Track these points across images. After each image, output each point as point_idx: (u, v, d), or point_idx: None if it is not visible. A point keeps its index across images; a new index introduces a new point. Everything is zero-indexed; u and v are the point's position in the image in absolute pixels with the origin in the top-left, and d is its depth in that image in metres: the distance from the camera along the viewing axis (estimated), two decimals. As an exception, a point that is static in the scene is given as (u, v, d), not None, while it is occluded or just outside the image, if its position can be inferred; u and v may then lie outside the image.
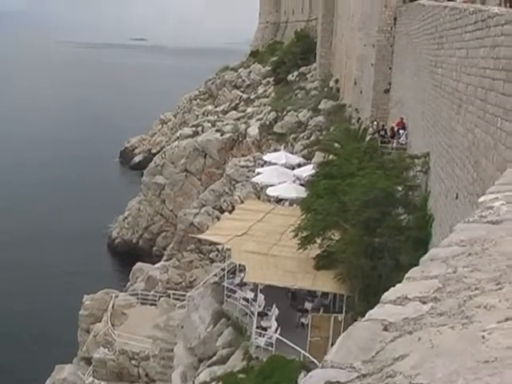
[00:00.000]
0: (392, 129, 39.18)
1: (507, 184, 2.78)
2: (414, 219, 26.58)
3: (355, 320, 2.31)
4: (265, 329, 28.95)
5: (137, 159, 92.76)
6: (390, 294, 2.09)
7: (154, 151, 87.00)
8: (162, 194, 66.31)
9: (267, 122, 66.12)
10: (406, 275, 2.15)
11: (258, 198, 50.35)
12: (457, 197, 18.76)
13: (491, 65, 15.32)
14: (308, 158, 50.61)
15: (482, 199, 2.64)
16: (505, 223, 2.28)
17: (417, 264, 2.25)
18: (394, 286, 2.15)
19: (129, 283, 50.40)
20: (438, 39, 25.98)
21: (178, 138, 73.22)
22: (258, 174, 48.58)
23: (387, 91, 45.38)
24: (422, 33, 31.79)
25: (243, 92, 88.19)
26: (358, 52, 54.38)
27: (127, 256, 60.81)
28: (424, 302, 1.91)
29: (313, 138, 57.82)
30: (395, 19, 44.94)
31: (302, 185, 42.62)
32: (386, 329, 1.91)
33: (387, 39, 45.51)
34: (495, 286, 1.91)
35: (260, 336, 28.62)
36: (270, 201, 45.38)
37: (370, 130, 42.79)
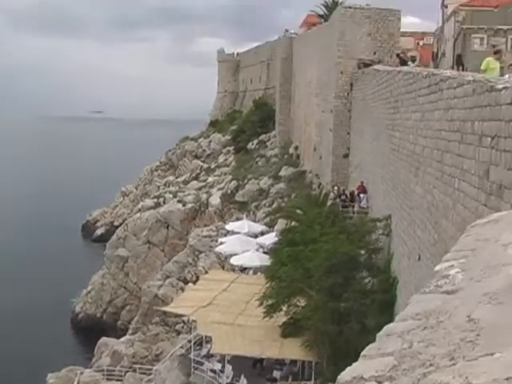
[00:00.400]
0: (352, 193, 39.47)
1: (462, 250, 2.70)
2: (379, 282, 26.53)
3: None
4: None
5: (99, 232, 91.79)
6: (345, 374, 1.97)
7: (116, 223, 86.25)
8: (126, 266, 65.48)
9: (229, 191, 66.18)
10: (362, 353, 2.05)
11: (222, 267, 49.93)
12: (419, 258, 18.77)
13: (446, 127, 15.56)
14: (271, 226, 50.56)
15: (437, 268, 2.56)
16: (460, 292, 2.19)
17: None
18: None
19: (94, 359, 49.12)
20: (393, 103, 26.44)
21: (139, 209, 72.80)
22: (221, 243, 48.39)
23: (346, 156, 45.89)
24: (378, 97, 32.38)
25: (204, 162, 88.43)
26: (316, 118, 55.13)
27: (91, 331, 59.45)
28: (380, 382, 1.80)
29: (275, 205, 57.88)
30: (351, 85, 45.82)
31: (265, 253, 42.48)
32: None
33: (344, 104, 46.28)
34: (449, 362, 1.81)
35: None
36: (234, 270, 45.03)
37: (331, 195, 43.06)
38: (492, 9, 64.57)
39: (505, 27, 56.39)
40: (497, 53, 21.09)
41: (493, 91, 11.65)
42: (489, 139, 11.78)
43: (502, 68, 21.12)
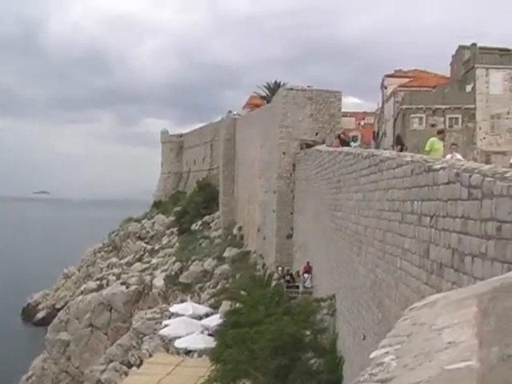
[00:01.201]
0: (297, 273, 39.47)
1: (398, 336, 2.69)
2: (325, 362, 26.28)
3: None
4: None
5: (40, 315, 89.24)
6: None
7: (57, 306, 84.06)
8: (67, 350, 63.59)
9: (172, 273, 65.52)
10: None
11: (167, 350, 48.87)
12: (364, 338, 18.71)
13: (387, 207, 15.80)
14: (215, 307, 49.97)
15: (372, 355, 2.52)
16: (393, 381, 2.15)
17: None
18: None
19: None
20: (335, 183, 26.81)
21: (82, 292, 71.36)
22: (166, 326, 47.55)
23: (290, 236, 46.08)
24: (321, 178, 32.82)
25: (147, 243, 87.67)
26: (259, 198, 55.46)
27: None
28: None
29: (219, 286, 57.43)
30: (294, 165, 46.44)
31: (210, 335, 41.84)
32: None
33: (287, 185, 46.78)
34: None
35: None
36: (178, 353, 44.13)
37: (276, 275, 42.98)
38: (430, 89, 66.88)
39: (443, 107, 58.33)
40: (440, 133, 21.48)
41: (430, 171, 11.93)
42: (428, 218, 11.98)
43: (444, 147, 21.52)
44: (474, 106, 58.64)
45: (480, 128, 58.60)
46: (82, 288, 74.29)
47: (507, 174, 8.45)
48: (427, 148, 19.97)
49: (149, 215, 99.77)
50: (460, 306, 3.92)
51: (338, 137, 40.06)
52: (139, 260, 79.83)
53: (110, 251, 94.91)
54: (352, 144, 34.13)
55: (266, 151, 52.93)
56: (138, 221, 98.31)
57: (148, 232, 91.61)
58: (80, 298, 67.90)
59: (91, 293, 67.46)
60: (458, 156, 21.26)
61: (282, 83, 71.00)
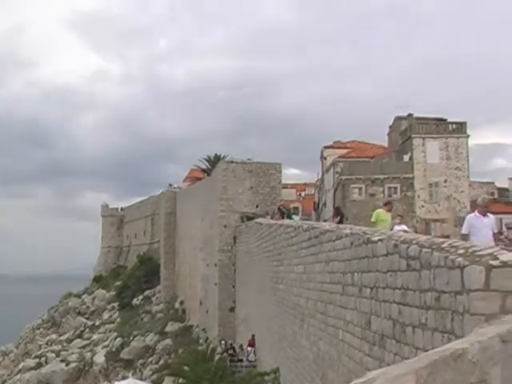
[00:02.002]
0: (240, 346, 39.06)
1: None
2: None
3: None
4: None
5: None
6: None
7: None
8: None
9: (114, 349, 64.11)
10: None
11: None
12: (309, 413, 18.50)
13: (328, 279, 15.87)
14: (158, 384, 48.93)
15: None
16: None
17: None
18: None
19: None
20: (277, 256, 26.84)
21: (20, 370, 69.19)
22: (106, 405, 46.22)
23: (233, 309, 45.71)
24: (262, 250, 32.83)
25: (88, 319, 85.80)
26: (201, 272, 55.08)
27: None
28: None
29: (161, 362, 56.34)
30: (235, 238, 46.40)
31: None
32: None
33: (229, 258, 46.63)
34: None
35: None
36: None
37: (219, 349, 42.44)
38: (368, 159, 68.26)
39: (381, 176, 59.51)
40: (387, 204, 21.33)
41: (369, 243, 12.08)
42: (368, 290, 12.07)
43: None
44: (412, 175, 60.01)
45: (418, 196, 59.89)
46: (20, 366, 72.17)
47: (444, 245, 8.61)
48: (373, 219, 19.83)
49: (89, 290, 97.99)
50: (399, 381, 3.95)
51: (278, 209, 40.36)
52: (79, 336, 78.00)
53: (49, 327, 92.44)
54: (294, 217, 34.24)
55: (207, 224, 52.86)
56: (77, 296, 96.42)
57: (88, 307, 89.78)
58: (18, 376, 66.08)
59: (30, 371, 65.67)
60: (405, 227, 21.53)
61: (222, 156, 71.55)
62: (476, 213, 14.37)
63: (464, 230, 14.23)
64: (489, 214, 14.38)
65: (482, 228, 13.87)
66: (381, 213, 20.12)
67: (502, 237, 14.82)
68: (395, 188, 59.99)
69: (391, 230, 19.56)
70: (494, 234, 14.26)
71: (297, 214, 36.37)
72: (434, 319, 8.46)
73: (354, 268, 13.23)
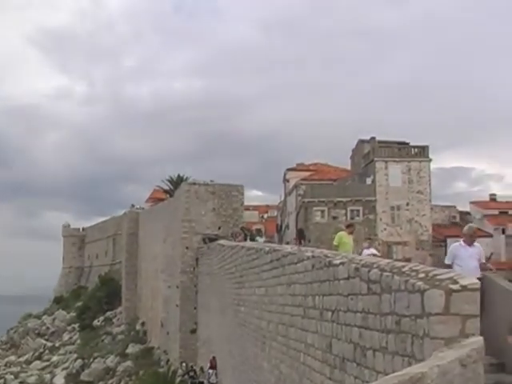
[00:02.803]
0: (201, 368, 38.76)
1: None
2: None
3: None
4: None
5: None
6: None
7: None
8: None
9: (74, 371, 63.29)
10: None
11: None
12: None
13: (289, 301, 15.83)
14: (117, 407, 48.31)
15: None
16: None
17: None
18: None
19: None
20: (238, 278, 26.74)
21: (-25, 394, 67.79)
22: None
23: (194, 331, 45.39)
24: (224, 272, 32.71)
25: (48, 340, 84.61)
26: (163, 293, 54.68)
27: None
28: None
29: (122, 384, 55.68)
30: (197, 260, 46.18)
31: None
32: None
33: (191, 279, 46.34)
34: None
35: None
36: None
37: (180, 371, 42.09)
38: (331, 182, 68.71)
39: (344, 199, 59.83)
40: (349, 227, 21.14)
41: (331, 266, 12.08)
42: (330, 313, 12.06)
43: (355, 242, 21.10)
44: (374, 198, 60.47)
45: (381, 219, 60.34)
46: (-23, 389, 70.67)
47: (405, 269, 8.63)
48: (335, 242, 19.62)
49: (49, 311, 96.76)
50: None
51: (241, 229, 40.32)
52: (39, 358, 76.88)
53: (8, 349, 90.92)
54: (258, 239, 34.14)
55: (169, 246, 52.57)
56: (37, 317, 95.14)
57: (48, 328, 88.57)
58: (-25, 402, 64.57)
59: (-13, 394, 64.32)
60: (374, 251, 21.45)
61: (184, 177, 71.39)
62: (461, 242, 13.67)
63: (447, 260, 13.54)
64: (475, 243, 13.69)
65: (467, 258, 13.22)
66: (343, 235, 19.91)
67: (488, 265, 14.14)
68: (357, 211, 60.40)
69: (360, 254, 19.53)
70: (482, 264, 13.52)
71: (261, 236, 36.29)
72: (395, 343, 8.47)
73: (315, 291, 13.21)
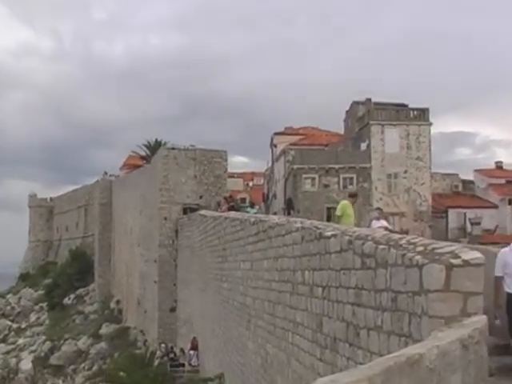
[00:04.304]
0: (182, 350, 38.98)
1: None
2: None
3: None
4: None
5: None
6: None
7: None
8: None
9: (42, 354, 63.46)
10: None
11: None
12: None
13: (276, 277, 15.87)
14: (91, 392, 48.60)
15: None
16: None
17: None
18: None
19: None
20: (221, 251, 26.80)
21: None
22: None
23: (174, 309, 45.59)
24: (206, 245, 32.79)
25: (13, 321, 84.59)
26: (139, 269, 54.82)
27: None
28: None
29: (95, 367, 55.94)
30: (177, 232, 46.24)
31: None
32: None
33: (170, 253, 46.46)
34: None
35: None
36: None
37: (158, 353, 42.29)
38: (322, 147, 68.58)
39: (336, 166, 59.67)
40: (352, 196, 20.88)
41: (322, 238, 12.08)
42: (320, 289, 12.10)
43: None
44: (369, 165, 60.41)
45: (376, 188, 60.35)
46: None
47: (401, 242, 8.63)
48: (338, 212, 19.33)
49: (14, 289, 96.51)
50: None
51: (225, 199, 40.23)
52: (3, 341, 76.93)
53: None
54: (250, 211, 33.72)
55: (146, 217, 52.58)
56: (1, 296, 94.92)
57: (14, 308, 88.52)
58: None
59: None
60: (385, 223, 20.92)
61: (163, 142, 71.20)
62: (511, 246, 11.80)
63: (498, 271, 11.51)
64: None
65: None
66: (347, 206, 19.55)
67: None
68: (351, 179, 60.37)
69: (368, 226, 19.21)
70: None
71: (252, 207, 35.75)
72: (391, 321, 8.50)
73: (304, 265, 13.24)
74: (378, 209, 23.04)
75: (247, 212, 31.71)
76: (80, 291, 78.62)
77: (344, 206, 19.55)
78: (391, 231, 14.55)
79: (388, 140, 61.25)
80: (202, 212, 38.32)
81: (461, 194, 68.18)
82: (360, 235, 10.22)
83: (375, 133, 61.33)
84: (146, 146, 77.53)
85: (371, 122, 61.45)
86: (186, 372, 36.82)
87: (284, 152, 66.44)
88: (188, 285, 40.78)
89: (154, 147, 70.73)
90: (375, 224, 20.04)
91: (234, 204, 39.08)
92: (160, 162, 48.41)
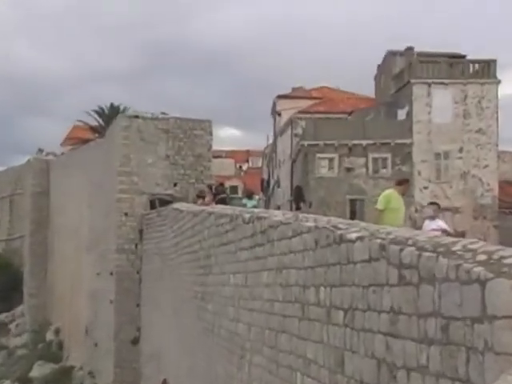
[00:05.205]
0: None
1: None
2: None
3: None
4: None
5: None
6: None
7: None
8: None
9: None
10: None
11: None
12: None
13: (280, 295, 15.89)
14: None
15: None
16: None
17: None
18: None
19: None
20: (204, 260, 26.82)
21: None
22: None
23: (136, 341, 45.68)
24: (182, 251, 32.83)
25: None
26: (88, 284, 54.83)
27: None
28: None
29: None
30: (141, 232, 46.25)
31: None
32: None
33: (132, 263, 46.52)
34: None
35: None
36: None
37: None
38: (344, 116, 68.43)
39: (363, 142, 59.42)
40: (401, 183, 20.43)
41: (343, 242, 12.06)
42: (341, 313, 12.11)
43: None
44: (410, 141, 60.34)
45: (419, 173, 60.27)
46: None
47: (455, 247, 8.61)
48: (381, 206, 19.05)
49: None
50: None
51: (209, 187, 40.19)
52: None
53: None
54: (247, 204, 33.38)
55: (99, 212, 52.56)
56: None
57: None
58: None
59: None
60: (443, 225, 20.49)
61: (121, 108, 71.18)
62: None
63: None
64: None
65: None
66: (392, 196, 19.37)
67: None
68: (384, 159, 60.38)
69: (420, 228, 18.85)
70: None
71: (251, 198, 35.19)
72: (440, 359, 8.51)
73: (319, 280, 13.26)
74: (434, 204, 22.48)
75: (243, 205, 31.55)
76: (2, 317, 78.50)
77: (389, 196, 19.34)
78: (450, 235, 14.33)
79: (437, 105, 61.08)
80: (177, 205, 38.35)
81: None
82: (397, 238, 10.21)
83: (419, 95, 61.22)
84: (97, 112, 77.57)
85: (413, 81, 61.35)
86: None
87: (291, 122, 66.60)
88: (157, 306, 40.85)
89: (110, 115, 70.71)
90: (429, 225, 19.78)
91: (225, 195, 38.95)
92: (118, 136, 48.33)
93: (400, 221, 18.47)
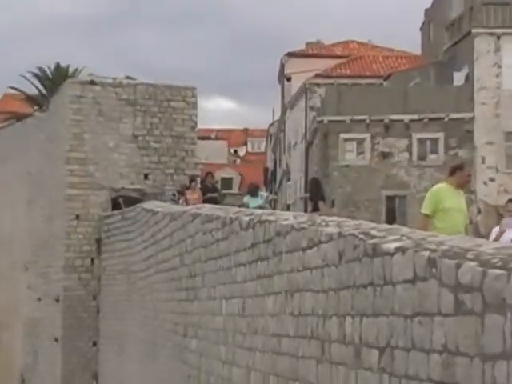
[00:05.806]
0: None
1: None
2: None
3: None
4: None
5: None
6: None
7: None
8: None
9: None
10: None
11: None
12: None
13: (290, 328, 15.96)
14: None
15: None
16: None
17: None
18: None
19: None
20: (187, 280, 26.91)
21: None
22: None
23: (92, 392, 45.84)
24: (156, 268, 32.91)
25: None
26: (25, 314, 54.90)
27: None
28: None
29: None
30: (99, 242, 46.34)
31: None
32: None
33: (85, 284, 46.61)
34: None
35: None
36: None
37: None
38: (378, 81, 68.30)
39: (405, 117, 59.18)
40: (457, 170, 19.07)
41: (377, 256, 12.07)
42: (376, 353, 12.15)
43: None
44: (471, 115, 60.12)
45: (483, 160, 60.14)
46: None
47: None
48: (427, 209, 18.15)
49: None
50: None
51: (194, 180, 40.30)
52: None
53: None
54: (250, 203, 33.54)
55: (40, 214, 52.59)
56: None
57: None
58: None
59: None
60: None
61: (71, 69, 71.13)
62: None
63: None
64: None
65: None
66: (444, 192, 18.51)
67: None
68: (434, 141, 60.31)
69: (495, 239, 18.81)
70: None
71: (254, 195, 35.15)
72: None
73: (344, 307, 13.30)
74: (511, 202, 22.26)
75: (245, 205, 31.68)
76: None
77: (438, 193, 18.54)
78: None
79: (509, 65, 60.77)
80: (149, 205, 38.45)
81: None
82: (452, 249, 10.21)
83: (483, 51, 61.06)
84: (37, 76, 77.37)
85: (475, 31, 61.15)
86: None
87: (305, 91, 66.54)
88: (121, 346, 40.95)
89: (55, 79, 70.57)
90: (509, 235, 19.58)
91: (216, 194, 39.15)
92: (66, 110, 48.23)
93: (459, 226, 17.74)
